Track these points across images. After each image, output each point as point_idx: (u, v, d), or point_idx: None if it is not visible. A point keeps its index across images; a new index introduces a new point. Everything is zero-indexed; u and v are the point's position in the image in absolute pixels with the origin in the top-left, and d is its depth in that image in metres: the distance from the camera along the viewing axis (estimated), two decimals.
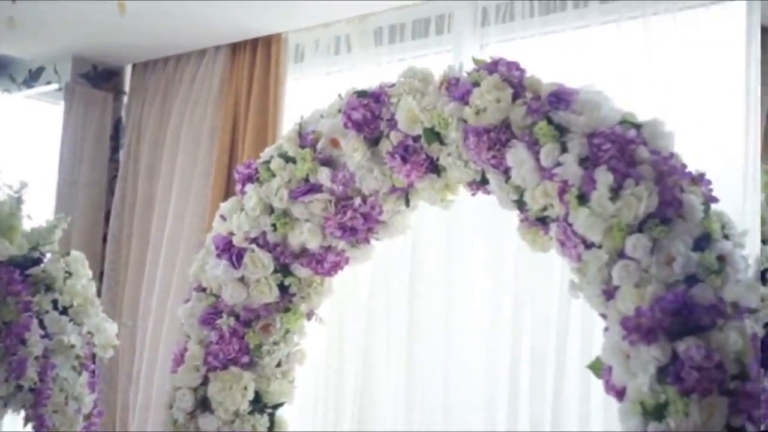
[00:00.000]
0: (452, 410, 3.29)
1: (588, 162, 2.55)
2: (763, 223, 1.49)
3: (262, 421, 3.37)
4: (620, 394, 2.48)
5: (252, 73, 4.50)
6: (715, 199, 2.56)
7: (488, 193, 2.91)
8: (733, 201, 2.79)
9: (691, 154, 2.62)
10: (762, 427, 1.35)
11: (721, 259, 2.42)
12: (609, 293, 2.51)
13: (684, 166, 2.56)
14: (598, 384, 2.62)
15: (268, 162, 3.32)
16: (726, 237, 2.51)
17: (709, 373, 2.26)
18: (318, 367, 3.65)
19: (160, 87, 5.06)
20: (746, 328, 2.31)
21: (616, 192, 2.46)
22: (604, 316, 2.57)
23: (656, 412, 2.31)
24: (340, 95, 3.25)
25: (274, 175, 3.27)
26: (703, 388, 2.25)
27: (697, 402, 2.25)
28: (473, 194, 3.00)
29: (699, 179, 2.57)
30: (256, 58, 4.51)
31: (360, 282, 3.59)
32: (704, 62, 3.19)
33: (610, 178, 2.46)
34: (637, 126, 2.62)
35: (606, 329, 2.55)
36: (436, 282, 3.39)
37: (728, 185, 2.71)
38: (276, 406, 3.45)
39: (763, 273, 1.56)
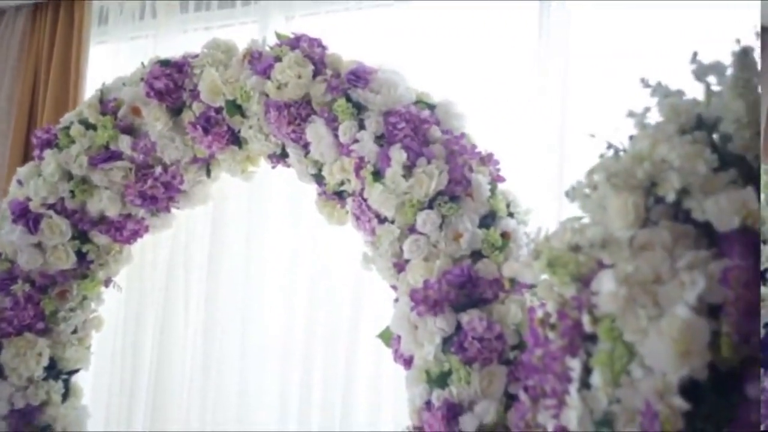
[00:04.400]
0: (248, 374, 3.27)
1: (383, 140, 2.58)
2: (763, 223, 1.53)
3: (57, 387, 3.28)
4: (408, 362, 2.53)
5: (53, 35, 4.29)
6: (502, 179, 2.65)
7: (288, 166, 2.90)
8: (524, 180, 2.86)
9: (484, 137, 2.69)
10: (762, 428, 1.39)
11: (505, 235, 2.51)
12: (400, 266, 2.55)
13: (474, 146, 2.63)
14: (388, 352, 2.66)
15: (67, 128, 3.20)
16: (511, 215, 2.60)
17: (490, 343, 2.34)
18: (115, 334, 3.56)
19: None
20: (526, 301, 2.40)
21: (409, 169, 2.51)
22: (394, 287, 2.61)
23: (440, 380, 2.38)
24: (143, 63, 3.16)
25: (73, 142, 3.16)
26: (484, 358, 2.34)
27: (478, 371, 2.33)
28: (273, 167, 2.99)
29: (488, 159, 2.64)
30: (58, 19, 4.30)
31: (159, 250, 3.51)
32: (500, 45, 3.24)
33: (404, 156, 2.50)
34: (431, 106, 2.67)
35: (396, 300, 2.59)
36: (235, 252, 3.36)
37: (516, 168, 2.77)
38: (71, 372, 3.35)
39: (763, 273, 1.60)
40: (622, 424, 1.36)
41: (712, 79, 1.60)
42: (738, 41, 1.54)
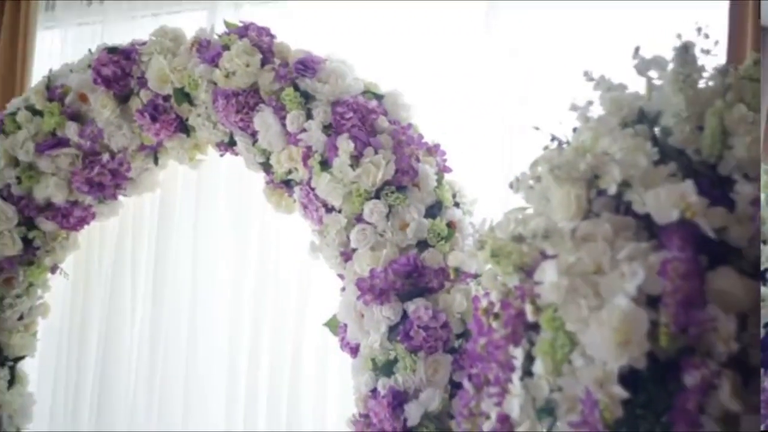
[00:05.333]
0: (196, 362, 3.24)
1: (331, 129, 2.57)
2: (763, 223, 1.53)
3: (3, 373, 3.25)
4: (354, 350, 2.54)
5: (0, 20, 4.24)
6: (448, 169, 2.66)
7: (236, 154, 2.88)
8: (470, 170, 2.86)
9: (431, 128, 2.70)
10: (762, 427, 1.39)
11: (451, 225, 2.52)
12: (347, 255, 2.55)
13: (421, 136, 2.64)
14: (335, 340, 2.66)
15: (14, 114, 3.16)
16: (457, 205, 2.61)
17: (436, 332, 2.36)
18: (62, 321, 3.51)
19: None
20: (471, 290, 2.41)
21: (356, 159, 2.51)
22: (341, 276, 2.61)
23: (386, 368, 2.39)
24: (90, 50, 3.13)
25: (20, 128, 3.13)
26: (429, 346, 2.35)
27: (423, 359, 2.34)
28: (221, 155, 2.96)
29: (434, 150, 2.65)
30: (5, 4, 4.24)
31: (106, 237, 3.47)
32: (448, 35, 3.24)
33: (351, 145, 2.50)
34: (379, 96, 2.67)
35: (343, 289, 2.59)
36: (183, 240, 3.32)
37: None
38: (17, 359, 3.33)
39: (763, 273, 1.60)
40: (563, 411, 1.38)
41: (653, 73, 1.61)
42: (679, 36, 1.56)
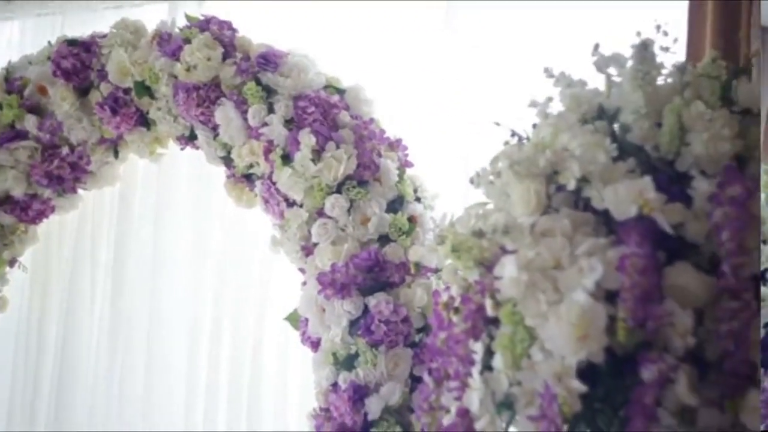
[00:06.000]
0: (155, 357, 3.22)
1: (293, 123, 2.56)
2: (763, 223, 1.53)
3: None
4: (315, 344, 2.53)
5: None
6: (410, 164, 2.66)
7: (197, 148, 2.86)
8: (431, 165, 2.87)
9: (393, 123, 2.71)
10: (762, 427, 1.39)
11: (412, 220, 2.52)
12: (308, 249, 2.55)
13: (383, 131, 2.64)
14: (296, 335, 2.65)
15: None
16: (418, 200, 2.61)
17: (396, 326, 2.36)
18: (20, 314, 3.47)
19: None
20: (431, 285, 2.42)
21: (318, 154, 2.50)
22: (303, 270, 2.60)
23: (347, 362, 2.39)
24: (49, 42, 3.09)
25: None
26: (390, 341, 2.35)
27: (384, 353, 2.34)
28: (182, 149, 2.94)
29: (396, 145, 2.65)
30: None
31: (65, 231, 3.43)
32: (409, 30, 3.23)
33: (313, 140, 2.49)
34: (341, 91, 2.67)
35: (304, 283, 2.59)
36: (143, 234, 3.28)
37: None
38: None
39: (763, 273, 1.59)
40: (522, 405, 1.38)
41: (612, 70, 1.62)
42: (638, 34, 1.57)
